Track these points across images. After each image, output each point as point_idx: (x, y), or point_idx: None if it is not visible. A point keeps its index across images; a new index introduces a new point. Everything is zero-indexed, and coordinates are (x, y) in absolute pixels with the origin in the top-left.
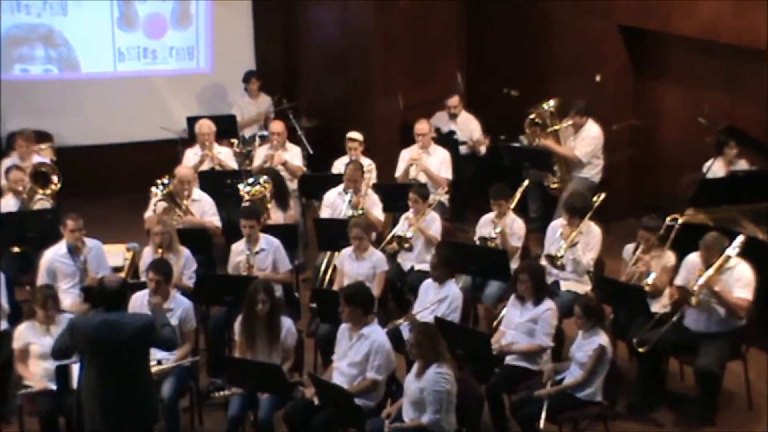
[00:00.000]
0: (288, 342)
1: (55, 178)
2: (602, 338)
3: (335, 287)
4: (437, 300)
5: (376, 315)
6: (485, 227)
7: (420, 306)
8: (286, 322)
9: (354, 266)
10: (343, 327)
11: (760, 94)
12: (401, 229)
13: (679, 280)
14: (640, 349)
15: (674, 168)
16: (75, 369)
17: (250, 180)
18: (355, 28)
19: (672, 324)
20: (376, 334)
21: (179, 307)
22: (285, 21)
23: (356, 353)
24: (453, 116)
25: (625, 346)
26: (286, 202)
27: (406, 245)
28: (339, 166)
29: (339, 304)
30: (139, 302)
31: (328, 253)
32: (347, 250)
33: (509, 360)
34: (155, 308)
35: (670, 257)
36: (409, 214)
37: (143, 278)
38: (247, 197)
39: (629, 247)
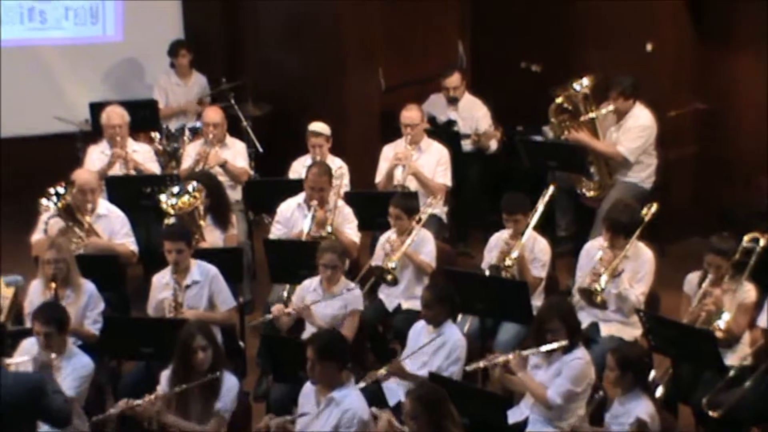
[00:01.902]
0: (223, 408)
1: None
2: (643, 405)
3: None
4: (434, 348)
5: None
6: (497, 250)
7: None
8: (229, 381)
9: (320, 305)
10: (308, 387)
11: None
12: (380, 256)
13: (763, 322)
14: (712, 413)
15: (754, 169)
16: None
17: (176, 188)
18: None
19: (754, 382)
20: (350, 399)
21: (73, 369)
22: None
23: (323, 424)
24: (453, 101)
25: (690, 411)
26: (226, 217)
27: (390, 278)
28: (298, 168)
29: (300, 356)
30: (26, 352)
31: (286, 287)
32: (310, 283)
33: (533, 425)
34: (43, 368)
35: (749, 291)
36: (391, 234)
37: (30, 324)
38: (172, 212)
39: (693, 277)
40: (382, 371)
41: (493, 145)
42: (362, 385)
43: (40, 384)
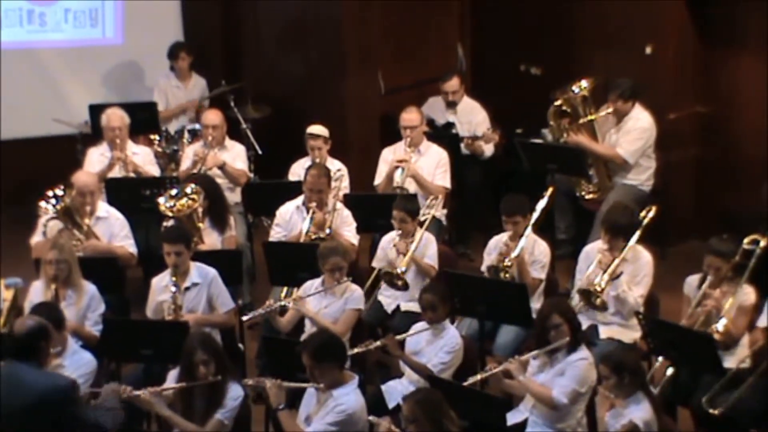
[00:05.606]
0: (224, 416)
1: None
2: (641, 410)
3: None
4: (430, 344)
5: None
6: (496, 252)
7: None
8: (234, 391)
9: (323, 305)
10: (311, 391)
11: None
12: (387, 259)
13: (763, 322)
14: (711, 411)
15: (755, 171)
16: None
17: (174, 191)
18: None
19: (753, 384)
20: (346, 398)
21: (76, 367)
22: None
23: (320, 420)
24: (451, 104)
25: (689, 414)
26: (224, 220)
27: (400, 282)
28: (298, 170)
29: (299, 357)
30: None
31: (285, 290)
32: (311, 284)
33: (532, 427)
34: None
35: (749, 294)
36: (395, 236)
37: None
38: (171, 214)
39: (693, 280)
40: (377, 342)
41: (488, 150)
42: (356, 351)
43: (70, 386)
